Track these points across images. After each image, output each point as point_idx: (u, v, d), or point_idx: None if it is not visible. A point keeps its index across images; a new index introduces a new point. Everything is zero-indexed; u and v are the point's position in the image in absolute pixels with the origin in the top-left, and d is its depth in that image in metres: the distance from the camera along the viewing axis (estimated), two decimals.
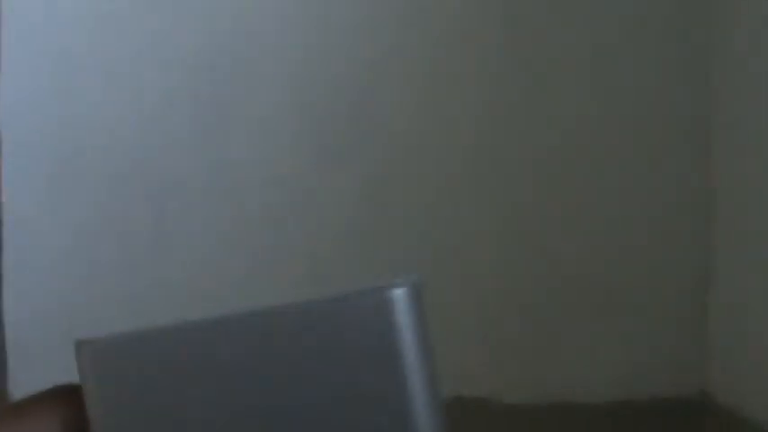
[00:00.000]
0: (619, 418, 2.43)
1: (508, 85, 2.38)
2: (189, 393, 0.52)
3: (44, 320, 2.33)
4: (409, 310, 0.52)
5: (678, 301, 2.43)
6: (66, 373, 2.35)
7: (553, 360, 2.41)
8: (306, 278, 2.37)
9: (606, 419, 2.42)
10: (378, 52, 2.36)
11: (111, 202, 2.33)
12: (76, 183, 2.32)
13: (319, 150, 2.36)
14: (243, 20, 2.33)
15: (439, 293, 2.39)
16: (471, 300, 2.39)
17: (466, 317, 2.40)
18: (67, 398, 0.52)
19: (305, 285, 2.37)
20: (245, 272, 2.36)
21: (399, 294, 0.52)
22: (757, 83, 2.24)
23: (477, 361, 2.40)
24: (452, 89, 2.37)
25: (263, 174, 2.35)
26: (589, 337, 2.41)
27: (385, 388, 0.51)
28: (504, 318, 2.40)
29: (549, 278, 2.41)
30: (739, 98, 2.31)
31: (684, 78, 2.41)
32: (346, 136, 2.36)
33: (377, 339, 0.52)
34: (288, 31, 2.35)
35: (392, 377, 0.51)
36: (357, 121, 2.36)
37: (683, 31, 2.40)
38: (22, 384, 2.33)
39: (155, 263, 2.34)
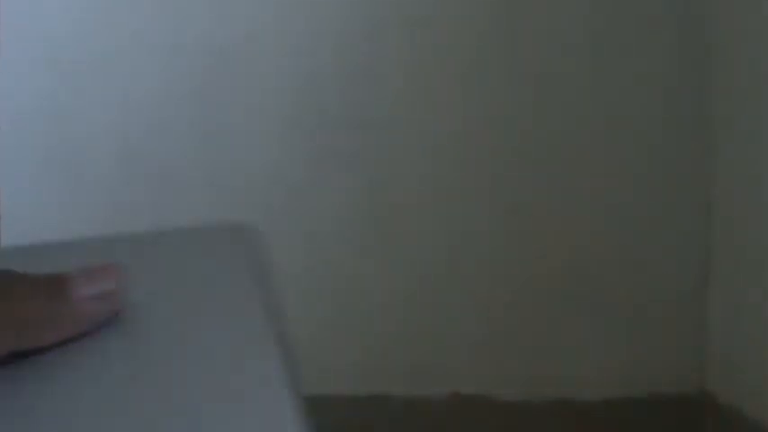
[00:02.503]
0: (618, 416, 2.43)
1: (508, 83, 2.38)
2: None
3: None
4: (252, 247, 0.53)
5: (678, 300, 2.43)
6: None
7: (552, 358, 2.41)
8: (308, 278, 2.37)
9: (605, 417, 2.42)
10: (378, 51, 2.36)
11: (110, 200, 2.33)
12: (75, 180, 2.32)
13: (319, 150, 2.36)
14: (242, 17, 2.34)
15: (438, 292, 2.39)
16: (470, 298, 2.40)
17: (465, 315, 2.40)
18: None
19: (306, 285, 2.37)
20: None
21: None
22: (758, 82, 2.24)
23: (476, 358, 2.41)
24: (452, 89, 2.37)
25: (262, 173, 2.35)
26: (589, 335, 2.41)
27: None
28: (503, 316, 2.40)
29: (549, 278, 2.41)
30: (740, 98, 2.31)
31: (685, 78, 2.41)
32: (346, 135, 2.36)
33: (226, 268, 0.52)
34: (288, 30, 2.35)
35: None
36: (357, 120, 2.37)
37: (683, 31, 2.40)
38: None
39: None
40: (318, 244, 2.37)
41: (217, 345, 0.52)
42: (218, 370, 0.51)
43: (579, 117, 2.39)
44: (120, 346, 0.54)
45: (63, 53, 2.31)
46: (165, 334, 0.55)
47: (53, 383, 0.52)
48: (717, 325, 2.39)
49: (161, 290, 0.55)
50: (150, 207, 2.34)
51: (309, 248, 2.37)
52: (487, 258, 2.40)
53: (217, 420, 0.48)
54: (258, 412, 0.48)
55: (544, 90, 2.39)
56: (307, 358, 2.40)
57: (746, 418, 2.27)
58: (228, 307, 0.54)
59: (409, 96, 2.37)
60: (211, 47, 2.33)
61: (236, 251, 0.57)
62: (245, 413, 0.48)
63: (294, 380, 0.54)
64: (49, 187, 2.32)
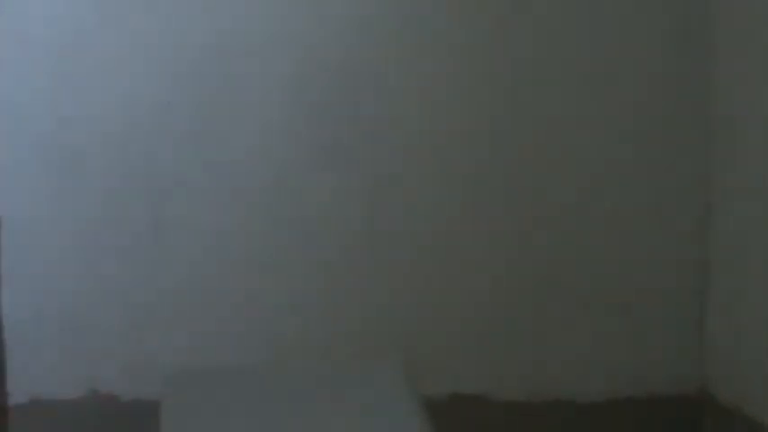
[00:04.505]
0: (618, 415, 2.42)
1: (509, 85, 2.38)
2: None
3: (43, 321, 2.34)
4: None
5: (678, 301, 2.43)
6: (65, 374, 2.35)
7: (552, 358, 2.41)
8: (307, 277, 2.37)
9: (606, 417, 2.42)
10: (379, 52, 2.36)
11: (111, 202, 2.33)
12: (76, 182, 2.32)
13: (319, 150, 2.36)
14: (243, 19, 2.34)
15: (438, 292, 2.39)
16: (471, 298, 2.39)
17: (465, 315, 2.40)
18: None
19: (306, 285, 2.37)
20: (244, 271, 2.36)
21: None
22: (758, 83, 2.24)
23: (476, 358, 2.40)
24: (454, 92, 2.37)
25: (263, 174, 2.35)
26: (589, 335, 2.41)
27: None
28: (503, 316, 2.40)
29: (550, 277, 2.41)
30: (739, 98, 2.31)
31: (685, 79, 2.41)
32: (346, 136, 2.36)
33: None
34: (289, 31, 2.35)
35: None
36: (357, 121, 2.37)
37: (683, 32, 2.40)
38: (22, 385, 2.34)
39: (154, 263, 2.34)
40: (320, 243, 2.37)
41: None
42: None
43: (580, 118, 2.39)
44: None
45: (64, 55, 2.30)
46: None
47: None
48: (716, 324, 2.39)
49: None
50: (150, 207, 2.34)
51: (310, 248, 2.37)
52: (488, 259, 2.39)
53: None
54: None
55: (545, 93, 2.38)
56: (308, 359, 2.40)
57: (746, 418, 2.26)
58: None
59: (410, 97, 2.37)
60: (211, 49, 2.33)
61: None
62: None
63: None
64: (49, 189, 2.32)
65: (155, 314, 2.35)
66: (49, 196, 2.32)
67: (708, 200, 2.41)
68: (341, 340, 2.38)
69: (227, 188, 2.35)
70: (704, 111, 2.41)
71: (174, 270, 2.35)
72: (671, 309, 2.43)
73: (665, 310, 2.43)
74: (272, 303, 2.37)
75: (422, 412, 0.48)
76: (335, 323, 2.37)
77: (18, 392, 2.34)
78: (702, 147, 2.41)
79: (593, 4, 2.38)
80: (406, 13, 2.36)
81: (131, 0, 2.31)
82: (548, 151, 2.39)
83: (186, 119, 2.33)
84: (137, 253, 2.34)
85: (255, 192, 2.35)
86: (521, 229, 2.40)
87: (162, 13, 2.32)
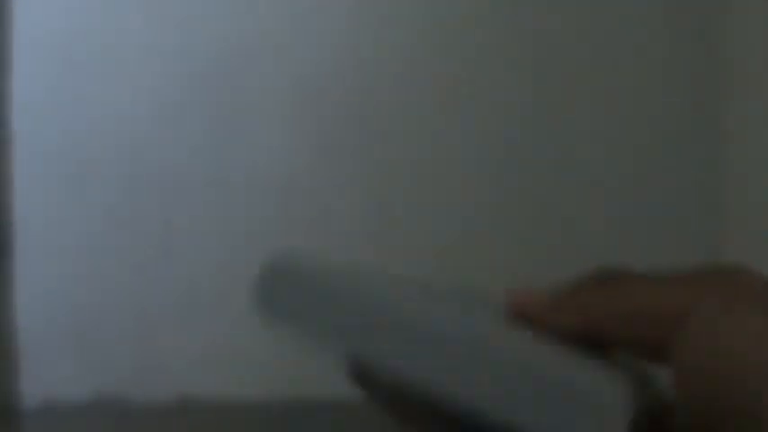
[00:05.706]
0: None
1: (512, 84, 2.38)
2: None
3: (56, 325, 2.34)
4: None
5: None
6: (77, 377, 2.36)
7: None
8: None
9: None
10: (383, 54, 2.35)
11: (122, 204, 2.32)
12: (88, 185, 2.31)
13: (326, 151, 2.36)
14: (250, 22, 2.31)
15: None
16: None
17: None
18: None
19: None
20: (253, 272, 2.37)
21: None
22: (764, 83, 2.25)
23: None
24: (458, 92, 2.37)
25: (271, 176, 2.35)
26: None
27: None
28: None
29: (550, 275, 2.43)
30: (745, 99, 2.32)
31: (692, 82, 2.41)
32: (352, 136, 2.36)
33: None
34: (295, 33, 2.33)
35: None
36: (362, 121, 2.36)
37: (684, 32, 2.40)
38: (35, 388, 2.35)
39: (166, 267, 2.34)
40: (325, 244, 2.38)
41: None
42: None
43: (585, 120, 2.40)
44: None
45: (76, 57, 2.28)
46: None
47: None
48: None
49: None
50: (160, 209, 2.33)
51: (316, 245, 2.38)
52: (490, 258, 2.41)
53: None
54: None
55: (550, 92, 2.38)
56: (309, 359, 2.42)
57: None
58: None
59: (413, 97, 2.36)
60: (218, 50, 2.31)
61: None
62: None
63: None
64: (61, 192, 2.31)
65: (166, 319, 2.36)
66: (62, 203, 2.31)
67: (710, 200, 2.44)
68: None
69: (236, 189, 2.34)
70: (713, 112, 2.42)
71: (186, 275, 2.35)
72: None
73: None
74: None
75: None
76: None
77: (31, 395, 2.35)
78: (708, 148, 2.43)
79: (596, 6, 2.37)
80: (410, 16, 2.34)
81: (145, 6, 2.28)
82: (551, 153, 2.40)
83: (197, 122, 2.32)
84: (149, 258, 2.34)
85: (267, 195, 2.35)
86: (524, 229, 2.41)
87: (173, 18, 2.29)
